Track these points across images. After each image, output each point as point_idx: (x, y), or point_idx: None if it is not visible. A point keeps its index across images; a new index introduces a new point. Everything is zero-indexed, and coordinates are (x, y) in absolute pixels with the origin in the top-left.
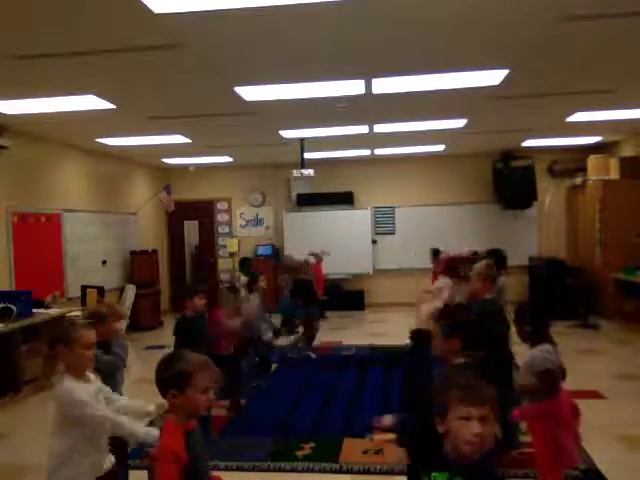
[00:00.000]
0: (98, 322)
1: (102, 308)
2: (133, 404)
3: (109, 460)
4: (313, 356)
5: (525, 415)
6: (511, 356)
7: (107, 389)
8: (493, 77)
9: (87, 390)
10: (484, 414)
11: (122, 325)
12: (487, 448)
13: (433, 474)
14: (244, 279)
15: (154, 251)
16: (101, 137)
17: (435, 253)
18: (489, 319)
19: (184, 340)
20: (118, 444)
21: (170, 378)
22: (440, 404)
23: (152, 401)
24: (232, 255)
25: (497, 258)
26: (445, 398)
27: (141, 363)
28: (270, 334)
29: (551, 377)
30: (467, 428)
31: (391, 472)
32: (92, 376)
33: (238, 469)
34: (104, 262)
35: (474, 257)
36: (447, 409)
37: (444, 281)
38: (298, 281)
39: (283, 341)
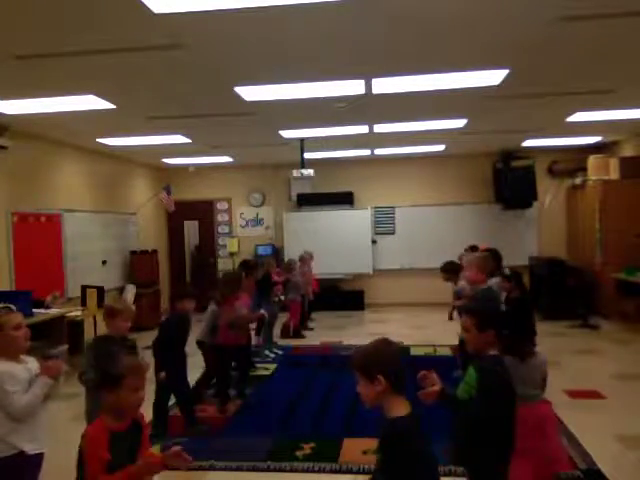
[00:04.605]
0: (110, 316)
1: (118, 305)
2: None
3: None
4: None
5: None
6: None
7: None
8: (493, 77)
9: (18, 373)
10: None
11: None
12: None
13: None
14: None
15: (154, 251)
16: (101, 137)
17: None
18: None
19: (167, 338)
20: None
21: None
22: None
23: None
24: (232, 255)
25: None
26: None
27: None
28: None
29: None
30: None
31: None
32: (28, 359)
33: (238, 469)
34: (104, 262)
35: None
36: None
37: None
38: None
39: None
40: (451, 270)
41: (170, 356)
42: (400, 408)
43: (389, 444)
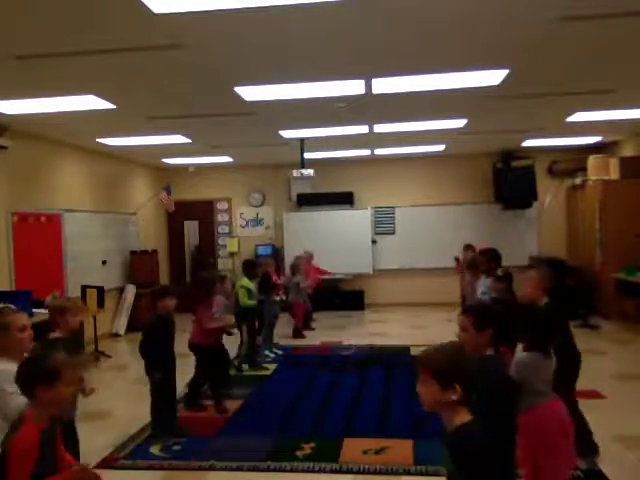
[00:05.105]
0: (59, 314)
1: (66, 302)
2: None
3: None
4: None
5: None
6: None
7: None
8: (493, 77)
9: None
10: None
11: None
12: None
13: None
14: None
15: (154, 251)
16: (101, 137)
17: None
18: None
19: (152, 339)
20: None
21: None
22: None
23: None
24: (232, 255)
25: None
26: None
27: (139, 363)
28: None
29: None
30: None
31: (391, 472)
32: None
33: (238, 469)
34: (104, 262)
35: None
36: None
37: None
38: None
39: None
40: (475, 266)
41: (157, 357)
42: (464, 416)
43: (460, 453)
